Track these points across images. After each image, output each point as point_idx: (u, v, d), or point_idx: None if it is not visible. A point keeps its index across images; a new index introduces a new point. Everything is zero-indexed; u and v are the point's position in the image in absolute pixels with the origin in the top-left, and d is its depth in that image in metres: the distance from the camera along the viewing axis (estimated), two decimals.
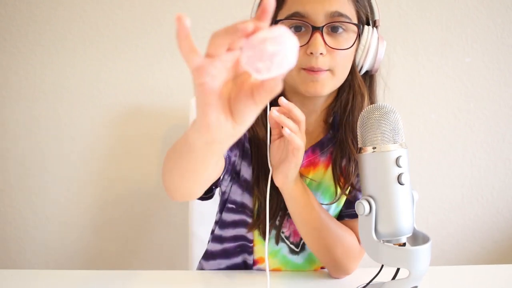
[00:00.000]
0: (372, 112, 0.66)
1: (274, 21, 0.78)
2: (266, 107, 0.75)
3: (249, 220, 0.85)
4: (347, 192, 0.83)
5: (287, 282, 0.84)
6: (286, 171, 0.74)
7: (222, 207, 0.88)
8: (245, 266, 0.90)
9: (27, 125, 1.39)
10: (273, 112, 0.69)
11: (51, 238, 1.43)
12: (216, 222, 0.92)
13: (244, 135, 0.83)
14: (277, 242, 0.86)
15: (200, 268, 0.96)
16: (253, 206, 0.84)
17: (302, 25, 0.76)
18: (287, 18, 0.77)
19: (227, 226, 0.88)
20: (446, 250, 1.45)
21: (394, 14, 1.37)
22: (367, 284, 0.74)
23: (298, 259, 0.88)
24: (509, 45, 1.38)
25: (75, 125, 1.39)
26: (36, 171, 1.41)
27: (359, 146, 0.69)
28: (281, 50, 0.35)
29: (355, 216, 0.80)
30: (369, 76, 0.85)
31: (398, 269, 0.70)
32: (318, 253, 0.83)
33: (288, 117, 0.70)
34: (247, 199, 0.84)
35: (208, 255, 0.93)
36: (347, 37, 0.77)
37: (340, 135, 0.83)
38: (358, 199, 0.68)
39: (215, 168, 0.63)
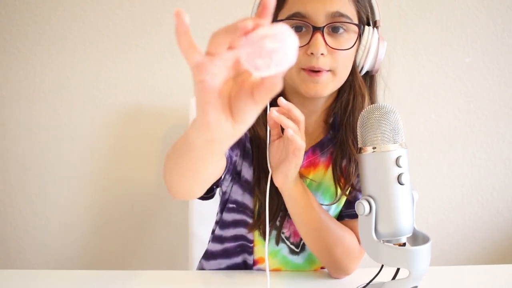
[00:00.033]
0: (372, 112, 0.66)
1: (275, 21, 0.78)
2: (266, 107, 0.75)
3: (250, 220, 0.85)
4: (347, 192, 0.83)
5: (287, 282, 0.84)
6: (286, 172, 0.74)
7: (223, 207, 0.88)
8: (245, 266, 0.90)
9: (27, 125, 1.39)
10: (273, 112, 0.69)
11: (51, 238, 1.43)
12: (217, 222, 0.92)
13: (246, 135, 0.83)
14: (277, 243, 0.86)
15: (201, 267, 0.96)
16: (253, 207, 0.84)
17: (302, 25, 0.76)
18: (287, 18, 0.76)
19: (227, 226, 0.88)
20: (446, 250, 1.45)
21: (394, 14, 1.37)
22: (367, 284, 0.74)
23: (298, 259, 0.88)
24: (509, 45, 1.38)
25: (75, 125, 1.39)
26: (36, 171, 1.41)
27: (359, 146, 0.69)
28: (280, 47, 0.35)
29: (355, 216, 0.80)
30: (369, 77, 0.85)
31: (398, 269, 0.70)
32: (318, 254, 0.83)
33: (287, 118, 0.70)
34: (247, 200, 0.84)
35: (209, 255, 0.93)
36: (348, 37, 0.77)
37: (340, 135, 0.83)
38: (358, 199, 0.68)
39: (216, 168, 0.63)
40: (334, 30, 0.76)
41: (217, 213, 0.93)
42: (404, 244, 0.68)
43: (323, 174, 0.85)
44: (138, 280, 0.84)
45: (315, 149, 0.85)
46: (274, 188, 0.77)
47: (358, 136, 0.69)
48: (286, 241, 0.87)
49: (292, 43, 0.35)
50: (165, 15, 1.36)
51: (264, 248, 0.75)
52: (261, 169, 0.81)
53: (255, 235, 0.86)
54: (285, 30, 0.35)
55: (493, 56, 1.39)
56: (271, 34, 0.35)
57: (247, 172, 0.84)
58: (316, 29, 0.75)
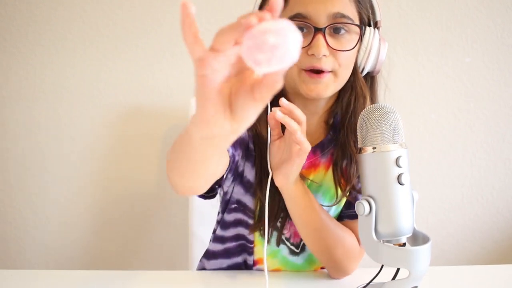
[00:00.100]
0: (372, 112, 0.66)
1: None
2: (267, 107, 0.75)
3: (250, 221, 0.85)
4: (347, 193, 0.83)
5: (287, 282, 0.84)
6: (287, 172, 0.74)
7: (224, 208, 0.88)
8: (245, 266, 0.90)
9: (27, 125, 1.39)
10: (277, 113, 0.68)
11: (51, 238, 1.43)
12: (218, 222, 0.92)
13: (249, 135, 0.83)
14: (278, 244, 0.86)
15: (202, 267, 0.95)
16: (255, 208, 0.84)
17: (304, 26, 0.75)
18: (289, 19, 0.76)
19: (228, 226, 0.88)
20: (446, 250, 1.45)
21: (394, 14, 1.37)
22: (367, 284, 0.74)
23: (298, 259, 0.88)
24: (509, 45, 1.38)
25: (75, 125, 1.39)
26: (36, 171, 1.41)
27: (359, 146, 0.69)
28: (282, 43, 0.34)
29: (355, 217, 0.80)
30: (370, 77, 0.85)
31: (398, 269, 0.70)
32: (318, 254, 0.83)
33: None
34: (249, 200, 0.84)
35: (210, 255, 0.93)
36: (349, 38, 0.77)
37: (341, 137, 0.83)
38: (359, 200, 0.68)
39: (217, 165, 0.62)
40: (335, 31, 0.76)
41: (218, 213, 0.93)
42: (404, 244, 0.68)
43: (324, 175, 0.85)
44: (138, 280, 0.84)
45: (315, 150, 0.85)
46: (275, 189, 0.77)
47: (358, 136, 0.69)
48: (286, 242, 0.87)
49: (294, 40, 0.35)
50: (165, 15, 1.36)
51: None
52: (264, 170, 0.80)
53: (256, 236, 0.86)
54: (288, 26, 0.34)
55: (493, 56, 1.39)
56: (274, 29, 0.34)
57: (249, 173, 0.83)
58: (317, 30, 0.74)
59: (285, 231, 0.86)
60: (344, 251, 0.81)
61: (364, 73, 0.82)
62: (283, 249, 0.87)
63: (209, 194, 0.80)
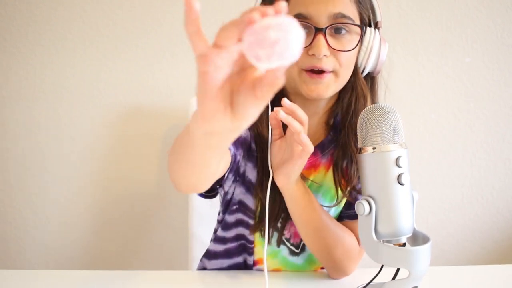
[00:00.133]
0: (372, 112, 0.66)
1: None
2: (268, 107, 0.75)
3: (251, 221, 0.85)
4: (347, 194, 0.83)
5: (287, 282, 0.84)
6: (289, 172, 0.74)
7: (225, 208, 0.88)
8: (245, 266, 0.90)
9: (27, 125, 1.39)
10: (281, 113, 0.68)
11: (51, 238, 1.43)
12: (219, 222, 0.91)
13: (251, 135, 0.83)
14: (278, 245, 0.86)
15: (202, 266, 0.95)
16: (255, 208, 0.84)
17: (304, 26, 0.75)
18: None
19: (230, 227, 0.88)
20: (446, 250, 1.45)
21: (394, 14, 1.37)
22: (367, 284, 0.74)
23: (298, 260, 0.88)
24: (509, 45, 1.38)
25: (75, 125, 1.39)
26: (36, 171, 1.41)
27: (359, 146, 0.69)
28: (284, 39, 0.33)
29: (355, 217, 0.80)
30: (370, 78, 0.85)
31: (398, 269, 0.70)
32: (318, 254, 0.83)
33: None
34: (250, 201, 0.84)
35: (211, 255, 0.93)
36: (350, 38, 0.77)
37: (342, 137, 0.83)
38: (359, 200, 0.68)
39: (219, 163, 0.61)
40: (336, 31, 0.76)
41: (219, 213, 0.92)
42: (404, 244, 0.68)
43: (324, 175, 0.85)
44: (138, 280, 0.84)
45: (315, 151, 0.84)
46: (276, 190, 0.77)
47: (358, 136, 0.69)
48: (287, 242, 0.87)
49: (297, 36, 0.34)
50: (165, 15, 1.36)
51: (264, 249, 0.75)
52: (265, 171, 0.80)
53: (256, 236, 0.86)
54: (290, 22, 0.34)
55: (493, 56, 1.39)
56: (276, 24, 0.33)
57: (251, 173, 0.83)
58: (318, 30, 0.74)
59: (285, 232, 0.86)
60: (344, 251, 0.81)
61: (365, 73, 0.82)
62: (283, 250, 0.87)
63: (209, 193, 0.80)
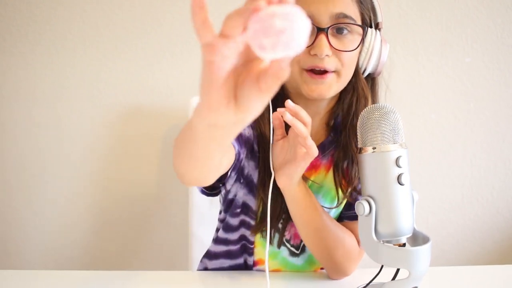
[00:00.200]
0: (372, 112, 0.66)
1: None
2: (270, 107, 0.75)
3: (252, 222, 0.85)
4: (347, 194, 0.83)
5: (287, 282, 0.84)
6: (291, 173, 0.74)
7: (227, 208, 0.88)
8: (245, 267, 0.90)
9: (27, 125, 1.39)
10: (287, 115, 0.68)
11: (51, 238, 1.43)
12: (221, 221, 0.91)
13: (254, 135, 0.83)
14: (279, 246, 0.86)
15: (203, 266, 0.95)
16: (257, 209, 0.84)
17: None
18: None
19: (233, 229, 0.88)
20: (446, 250, 1.45)
21: (394, 14, 1.37)
22: (367, 284, 0.74)
23: (298, 261, 0.88)
24: (509, 45, 1.38)
25: (75, 125, 1.39)
26: (36, 171, 1.41)
27: (359, 146, 0.68)
28: (290, 28, 0.32)
29: (355, 218, 0.80)
30: (371, 79, 0.85)
31: (398, 270, 0.70)
32: (318, 255, 0.83)
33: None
34: (252, 201, 0.84)
35: (211, 256, 0.93)
36: (352, 38, 0.77)
37: (343, 138, 0.83)
38: (359, 201, 0.68)
39: (222, 157, 0.61)
40: (338, 31, 0.76)
41: (220, 212, 0.92)
42: (404, 245, 0.68)
43: (324, 176, 0.85)
44: (138, 280, 0.84)
45: None
46: (277, 191, 0.77)
47: (358, 136, 0.69)
48: (287, 243, 0.87)
49: (303, 26, 0.33)
50: (165, 15, 1.36)
51: (265, 249, 0.74)
52: (266, 171, 0.80)
53: (256, 237, 0.86)
54: (297, 11, 0.33)
55: (493, 56, 1.38)
56: (282, 13, 0.32)
57: (253, 174, 0.83)
58: (320, 30, 0.74)
59: (286, 233, 0.86)
60: (344, 252, 0.81)
61: (366, 74, 0.82)
62: (283, 250, 0.87)
63: (212, 191, 0.80)
